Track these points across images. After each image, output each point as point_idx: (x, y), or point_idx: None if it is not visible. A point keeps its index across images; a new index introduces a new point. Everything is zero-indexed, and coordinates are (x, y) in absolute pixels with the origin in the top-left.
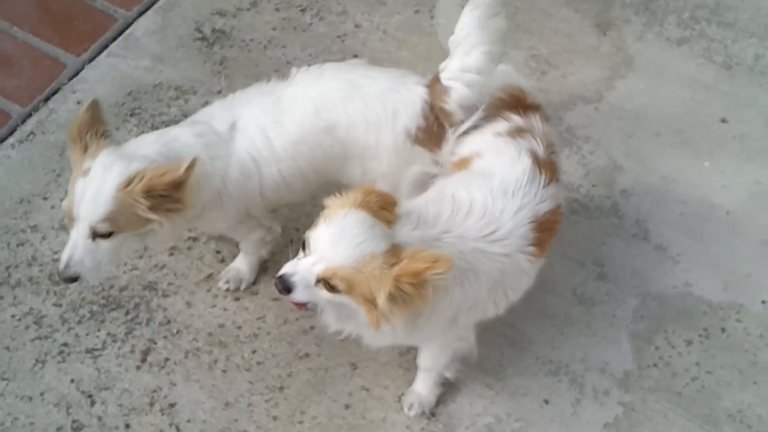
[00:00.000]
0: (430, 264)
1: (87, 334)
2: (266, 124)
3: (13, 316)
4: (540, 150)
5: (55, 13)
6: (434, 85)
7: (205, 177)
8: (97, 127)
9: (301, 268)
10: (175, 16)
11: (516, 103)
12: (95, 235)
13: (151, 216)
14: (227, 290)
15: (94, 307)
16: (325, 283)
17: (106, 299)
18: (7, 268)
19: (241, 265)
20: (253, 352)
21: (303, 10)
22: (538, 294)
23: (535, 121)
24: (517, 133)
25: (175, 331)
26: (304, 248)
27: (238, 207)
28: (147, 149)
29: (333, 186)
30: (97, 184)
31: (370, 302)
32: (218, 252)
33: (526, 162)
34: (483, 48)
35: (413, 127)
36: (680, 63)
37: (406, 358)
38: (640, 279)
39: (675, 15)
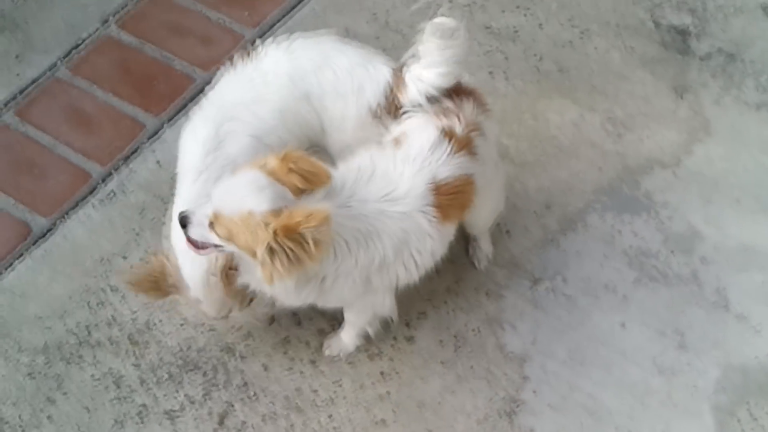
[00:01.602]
0: (303, 218)
1: (165, 396)
2: (249, 102)
3: (92, 376)
4: (458, 126)
5: (135, 74)
6: (397, 73)
7: None
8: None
9: (198, 210)
10: None
11: (455, 90)
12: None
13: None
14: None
15: (173, 369)
16: (213, 227)
17: (184, 360)
18: (87, 327)
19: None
20: (330, 417)
21: None
22: (616, 362)
23: (466, 103)
24: (442, 113)
25: (252, 394)
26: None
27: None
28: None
29: None
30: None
31: (260, 261)
32: (294, 314)
33: (433, 132)
34: (440, 69)
35: (375, 103)
36: (759, 127)
37: None
38: (722, 349)
39: (753, 78)
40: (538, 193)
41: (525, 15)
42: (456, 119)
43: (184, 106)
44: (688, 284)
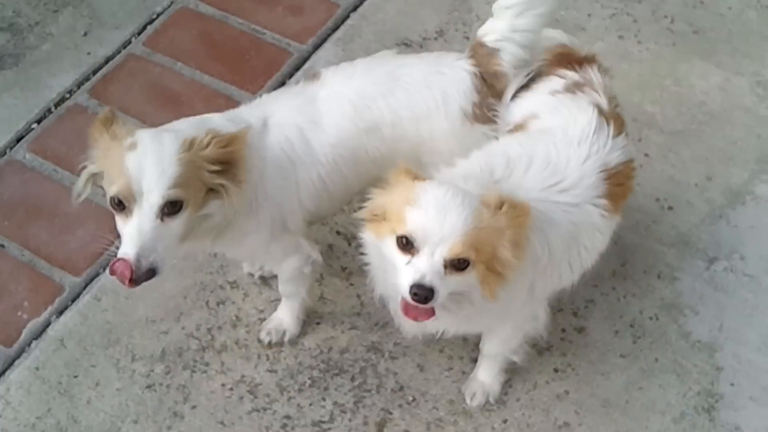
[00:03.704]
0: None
1: (311, 405)
2: (301, 122)
3: (223, 385)
4: (603, 102)
5: (222, 48)
6: (478, 51)
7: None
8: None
9: (424, 265)
10: (357, 48)
11: (567, 59)
12: (163, 212)
13: (218, 180)
14: (269, 343)
15: (315, 373)
16: (452, 265)
17: (327, 363)
18: (209, 329)
19: (283, 314)
20: (504, 421)
21: None
22: None
23: (593, 73)
24: (574, 88)
25: (410, 398)
26: (407, 249)
27: (273, 214)
28: (182, 126)
29: None
30: (155, 151)
31: (490, 268)
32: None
33: (591, 112)
34: (536, 10)
35: (469, 105)
36: None
37: None
38: None
39: None
40: (695, 163)
41: None
42: (594, 92)
43: (283, 82)
44: None
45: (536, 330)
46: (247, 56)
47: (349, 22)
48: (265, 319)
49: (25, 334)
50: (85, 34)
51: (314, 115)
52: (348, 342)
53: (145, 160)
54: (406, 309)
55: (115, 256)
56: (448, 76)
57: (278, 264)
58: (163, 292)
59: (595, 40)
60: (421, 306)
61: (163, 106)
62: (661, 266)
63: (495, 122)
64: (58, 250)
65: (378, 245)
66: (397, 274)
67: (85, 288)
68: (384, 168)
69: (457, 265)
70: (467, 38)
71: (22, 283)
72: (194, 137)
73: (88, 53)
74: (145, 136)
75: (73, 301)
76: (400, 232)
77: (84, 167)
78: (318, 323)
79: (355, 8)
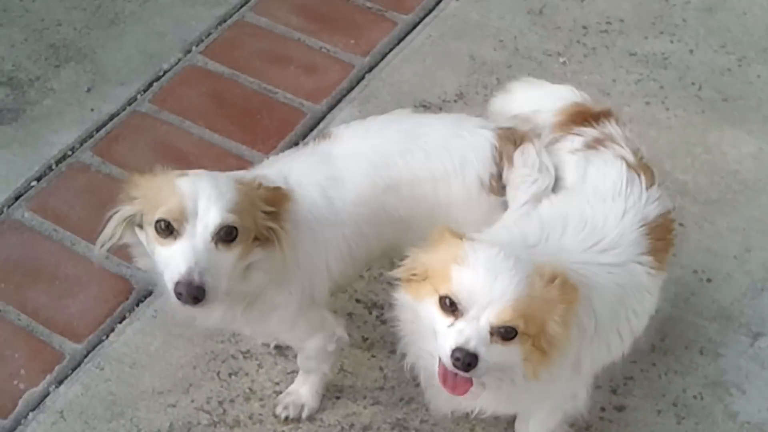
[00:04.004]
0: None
1: None
2: (322, 180)
3: None
4: (628, 154)
5: (232, 107)
6: (503, 135)
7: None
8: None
9: (469, 329)
10: (373, 109)
11: (582, 116)
12: (218, 238)
13: (270, 224)
14: (286, 418)
15: None
16: (498, 333)
17: None
18: (221, 403)
19: (301, 387)
20: None
21: None
22: None
23: (611, 127)
24: (595, 144)
25: None
26: (450, 310)
27: (304, 283)
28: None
29: None
30: (211, 176)
31: (535, 344)
32: None
33: (619, 164)
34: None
35: (486, 175)
36: None
37: None
38: None
39: None
40: (732, 234)
41: (671, 41)
42: (616, 145)
43: (296, 142)
44: None
45: (576, 410)
46: (258, 116)
47: (364, 82)
48: (281, 392)
49: (21, 404)
50: (89, 90)
51: (333, 172)
52: (371, 418)
53: (201, 183)
54: (444, 378)
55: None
56: (467, 141)
57: (302, 342)
58: (171, 361)
59: (622, 105)
60: (460, 375)
61: (170, 164)
62: (703, 341)
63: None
64: (58, 314)
65: (415, 307)
66: (436, 338)
67: (86, 356)
68: (402, 232)
69: (503, 333)
70: (487, 101)
71: (19, 350)
72: (243, 176)
73: (92, 109)
74: (192, 175)
75: (73, 369)
76: (444, 291)
77: (114, 213)
78: (338, 397)
79: (370, 69)
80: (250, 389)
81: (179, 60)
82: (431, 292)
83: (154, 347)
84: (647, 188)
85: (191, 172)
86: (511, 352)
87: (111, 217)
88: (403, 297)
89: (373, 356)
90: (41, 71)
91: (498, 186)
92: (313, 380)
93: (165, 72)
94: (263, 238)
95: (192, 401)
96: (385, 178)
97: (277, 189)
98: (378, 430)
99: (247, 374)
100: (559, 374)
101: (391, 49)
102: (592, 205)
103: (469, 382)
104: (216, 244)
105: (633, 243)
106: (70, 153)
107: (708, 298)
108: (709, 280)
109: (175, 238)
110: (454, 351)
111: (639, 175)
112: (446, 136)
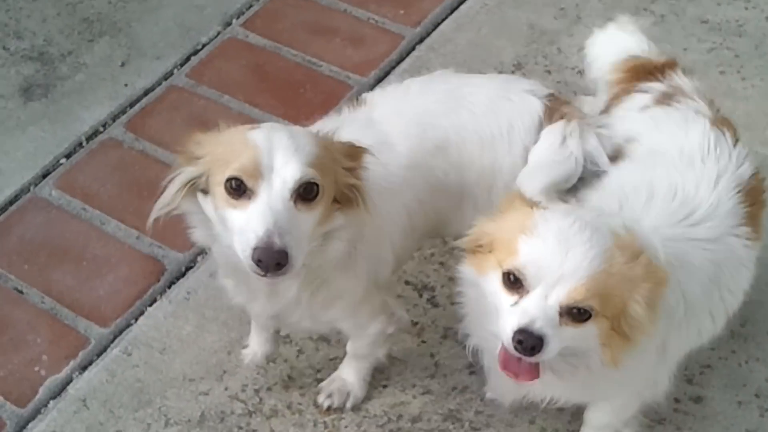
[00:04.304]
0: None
1: None
2: (372, 146)
3: None
4: (705, 108)
5: (274, 81)
6: (556, 102)
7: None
8: None
9: (535, 308)
10: None
11: (644, 70)
12: (298, 196)
13: (353, 180)
14: (328, 408)
15: None
16: (569, 313)
17: None
18: (257, 391)
19: (347, 374)
20: None
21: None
22: None
23: (680, 79)
24: (666, 99)
25: None
26: (514, 287)
27: (369, 264)
28: None
29: None
30: (286, 129)
31: (615, 328)
32: None
33: (701, 120)
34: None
35: (532, 143)
36: None
37: None
38: None
39: None
40: None
41: (746, 7)
42: (689, 99)
43: None
44: None
45: (655, 397)
46: (302, 89)
47: (415, 53)
48: (322, 380)
49: (42, 392)
50: (123, 64)
51: (380, 136)
52: (420, 409)
53: (277, 135)
54: (506, 362)
55: None
56: (516, 106)
57: (363, 329)
58: (204, 346)
59: (694, 75)
60: (524, 359)
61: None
62: None
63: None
64: (84, 297)
65: (478, 282)
66: (498, 317)
67: (113, 340)
68: (455, 201)
69: (575, 314)
70: (548, 72)
71: (41, 334)
72: (318, 130)
73: (126, 85)
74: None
75: (99, 355)
76: (509, 266)
77: (174, 176)
78: (385, 386)
79: (421, 40)
80: (289, 376)
81: (218, 33)
82: (495, 266)
83: (186, 332)
84: (735, 146)
85: (263, 125)
86: (584, 336)
87: (171, 180)
88: (466, 270)
89: (424, 342)
90: (74, 46)
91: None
92: (362, 366)
93: (203, 46)
94: (343, 200)
95: (226, 389)
96: (432, 139)
97: (354, 144)
98: (428, 421)
99: (285, 360)
100: (642, 360)
101: (443, 19)
102: (680, 170)
103: (535, 368)
104: (295, 202)
105: (729, 213)
106: (101, 129)
107: None
108: None
109: (250, 198)
110: (516, 333)
111: (724, 132)
112: (493, 97)
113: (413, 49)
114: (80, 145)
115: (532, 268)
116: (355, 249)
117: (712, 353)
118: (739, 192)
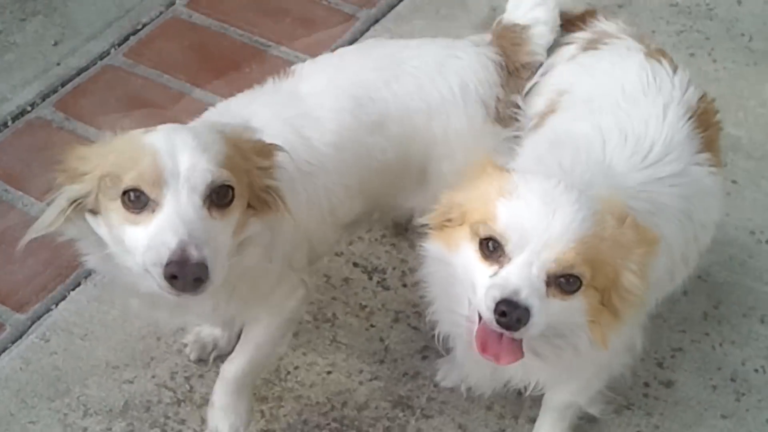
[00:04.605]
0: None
1: None
2: (294, 120)
3: None
4: (634, 43)
5: (219, 61)
6: (503, 36)
7: None
8: None
9: (517, 276)
10: None
11: (566, 25)
12: (210, 201)
13: (270, 182)
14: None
15: None
16: (557, 283)
17: (340, 422)
18: (188, 378)
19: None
20: None
21: None
22: None
23: (603, 24)
24: (592, 44)
25: None
26: (494, 257)
27: (285, 251)
28: None
29: None
30: (189, 129)
31: (605, 302)
32: None
33: (635, 57)
34: None
35: (492, 100)
36: None
37: None
38: None
39: None
40: None
41: None
42: (618, 38)
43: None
44: None
45: (622, 365)
46: (247, 69)
47: (370, 34)
48: None
49: None
50: (56, 43)
51: (305, 110)
52: (368, 396)
53: (178, 136)
54: (484, 343)
55: None
56: (465, 63)
57: (279, 309)
58: (131, 332)
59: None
60: (507, 336)
61: (144, 121)
62: (764, 308)
63: (517, 124)
64: (1, 281)
65: (448, 259)
66: (475, 293)
67: (30, 327)
68: (390, 183)
69: (563, 284)
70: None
71: None
72: (224, 125)
73: (58, 64)
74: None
75: (14, 342)
76: (487, 232)
77: (56, 196)
78: (329, 372)
79: (376, 20)
80: (222, 361)
81: (160, 13)
82: (470, 237)
83: (112, 317)
84: (675, 73)
85: (159, 126)
86: (572, 310)
87: (52, 201)
88: (433, 248)
89: (372, 326)
90: (4, 25)
91: (505, 112)
92: (246, 394)
93: (144, 25)
94: (257, 204)
95: (153, 377)
96: (369, 114)
97: (266, 141)
98: (376, 409)
99: (216, 346)
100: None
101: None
102: (624, 110)
103: (518, 347)
104: (209, 209)
105: (686, 142)
106: (29, 109)
107: (764, 259)
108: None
109: (153, 210)
110: (499, 304)
111: (661, 62)
112: (439, 58)
113: (367, 30)
114: (5, 125)
115: (515, 232)
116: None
117: (684, 336)
118: (690, 119)
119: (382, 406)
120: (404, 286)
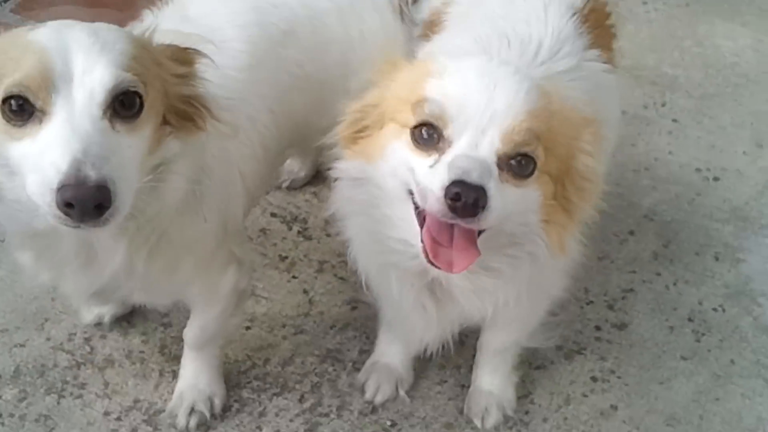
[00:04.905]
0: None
1: None
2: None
3: (107, 413)
4: None
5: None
6: None
7: None
8: None
9: (465, 159)
10: None
11: None
12: (112, 111)
13: (189, 91)
14: (193, 427)
15: (245, 393)
16: (508, 166)
17: (263, 380)
18: (88, 340)
19: (196, 376)
20: None
21: None
22: None
23: None
24: None
25: (388, 424)
26: (431, 144)
27: (219, 203)
28: None
29: None
30: (86, 26)
31: (559, 195)
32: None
33: None
34: None
35: None
36: None
37: None
38: None
39: None
40: (738, 129)
41: None
42: None
43: None
44: None
45: (565, 290)
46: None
47: None
48: (169, 324)
49: None
50: None
51: (204, 30)
52: (293, 351)
53: (72, 33)
54: (434, 245)
55: None
56: None
57: (215, 290)
58: (21, 293)
59: None
60: (462, 225)
61: (97, 15)
62: (718, 246)
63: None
64: None
65: (370, 173)
66: (415, 190)
67: None
68: (316, 101)
69: (516, 167)
70: None
71: None
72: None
73: None
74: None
75: None
76: (420, 117)
77: None
78: (248, 327)
79: None
80: (128, 321)
81: None
82: (397, 133)
83: None
84: None
85: (49, 22)
86: (528, 200)
87: None
88: (350, 166)
89: (294, 277)
90: None
91: (407, 11)
92: (208, 358)
93: None
94: (176, 120)
95: (47, 339)
96: (277, 23)
97: (181, 45)
98: (302, 364)
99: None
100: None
101: None
102: (503, 11)
103: (472, 244)
104: (111, 121)
105: (572, 38)
106: None
107: (717, 198)
108: (716, 179)
109: (40, 121)
110: (449, 187)
111: None
112: None
113: None
114: None
115: (453, 108)
116: (200, 184)
117: (634, 276)
118: (574, 16)
119: (309, 360)
120: (328, 235)
